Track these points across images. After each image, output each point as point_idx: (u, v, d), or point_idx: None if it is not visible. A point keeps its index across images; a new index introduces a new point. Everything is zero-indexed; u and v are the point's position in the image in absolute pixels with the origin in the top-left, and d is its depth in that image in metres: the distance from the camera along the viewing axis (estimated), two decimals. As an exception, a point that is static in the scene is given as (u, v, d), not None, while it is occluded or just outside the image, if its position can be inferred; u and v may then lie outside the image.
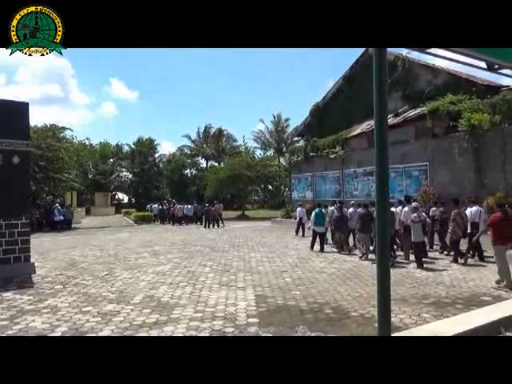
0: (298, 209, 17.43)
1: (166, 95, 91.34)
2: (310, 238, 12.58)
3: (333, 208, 13.20)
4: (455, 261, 9.57)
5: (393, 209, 10.66)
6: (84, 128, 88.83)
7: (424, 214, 9.95)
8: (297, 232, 16.75)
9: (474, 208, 10.14)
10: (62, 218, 20.39)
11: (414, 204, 10.14)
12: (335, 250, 11.96)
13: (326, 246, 12.18)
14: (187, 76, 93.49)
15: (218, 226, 23.00)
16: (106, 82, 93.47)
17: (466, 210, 10.23)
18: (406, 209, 10.28)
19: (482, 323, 4.66)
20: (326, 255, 11.04)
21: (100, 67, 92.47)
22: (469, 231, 9.93)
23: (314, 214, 12.40)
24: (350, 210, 12.22)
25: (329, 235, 12.91)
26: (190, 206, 26.59)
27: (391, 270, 3.83)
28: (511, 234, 7.10)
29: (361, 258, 10.37)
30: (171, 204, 28.99)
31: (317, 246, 12.07)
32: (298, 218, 17.04)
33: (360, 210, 11.31)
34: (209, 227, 22.42)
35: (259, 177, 33.59)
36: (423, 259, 9.34)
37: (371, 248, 10.12)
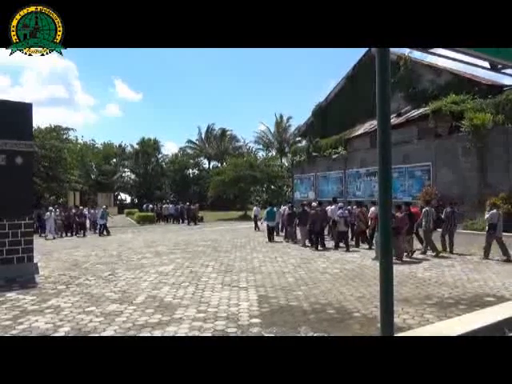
0: (254, 208, 20.78)
1: (169, 96, 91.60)
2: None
3: (285, 207, 15.82)
4: (370, 248, 11.62)
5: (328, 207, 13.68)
6: (88, 129, 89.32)
7: (347, 211, 12.49)
8: (258, 228, 18.90)
9: (333, 207, 13.34)
10: (105, 221, 20.54)
11: (339, 204, 13.34)
12: (283, 240, 14.55)
13: (277, 237, 15.12)
14: (190, 76, 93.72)
15: (195, 223, 25.93)
16: (111, 83, 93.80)
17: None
18: (333, 207, 13.46)
19: (486, 324, 4.64)
20: (328, 255, 11.02)
21: (104, 69, 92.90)
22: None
23: (265, 212, 15.20)
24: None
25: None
26: (171, 206, 30.28)
27: (393, 271, 3.81)
28: None
29: (304, 245, 12.76)
30: (160, 205, 33.43)
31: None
32: (253, 216, 20.00)
33: (286, 209, 14.10)
34: (189, 224, 25.91)
35: (262, 176, 33.66)
36: (349, 244, 12.08)
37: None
